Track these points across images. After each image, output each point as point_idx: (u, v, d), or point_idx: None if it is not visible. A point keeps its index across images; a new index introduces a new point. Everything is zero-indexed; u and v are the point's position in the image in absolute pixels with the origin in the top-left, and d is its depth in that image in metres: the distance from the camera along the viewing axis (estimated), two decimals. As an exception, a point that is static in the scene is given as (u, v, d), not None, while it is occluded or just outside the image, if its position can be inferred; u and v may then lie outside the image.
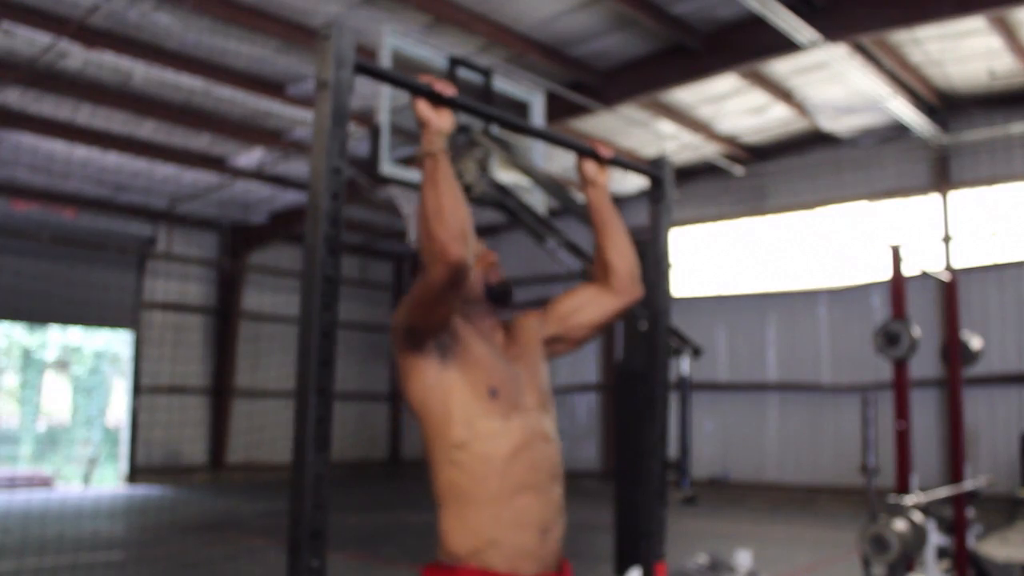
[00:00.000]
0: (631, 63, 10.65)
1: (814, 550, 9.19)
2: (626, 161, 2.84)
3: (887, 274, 5.52)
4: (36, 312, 15.04)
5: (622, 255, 2.49)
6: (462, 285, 2.00)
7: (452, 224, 1.92)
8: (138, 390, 15.64)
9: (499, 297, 2.32)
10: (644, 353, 2.92)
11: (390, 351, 2.14)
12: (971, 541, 6.16)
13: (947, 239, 12.62)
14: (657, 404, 2.82)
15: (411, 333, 2.08)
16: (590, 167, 2.62)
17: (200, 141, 12.74)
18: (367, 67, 2.00)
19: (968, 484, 6.13)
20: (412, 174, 4.56)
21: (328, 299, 1.89)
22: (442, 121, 2.09)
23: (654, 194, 2.92)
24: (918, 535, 4.98)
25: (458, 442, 2.08)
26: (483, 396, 2.11)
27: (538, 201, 5.25)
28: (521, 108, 5.31)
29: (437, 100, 2.09)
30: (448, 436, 2.09)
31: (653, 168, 2.93)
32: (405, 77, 2.16)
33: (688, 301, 15.01)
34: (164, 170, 13.76)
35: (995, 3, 8.64)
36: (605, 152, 2.62)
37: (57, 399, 19.25)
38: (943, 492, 5.82)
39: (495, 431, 2.09)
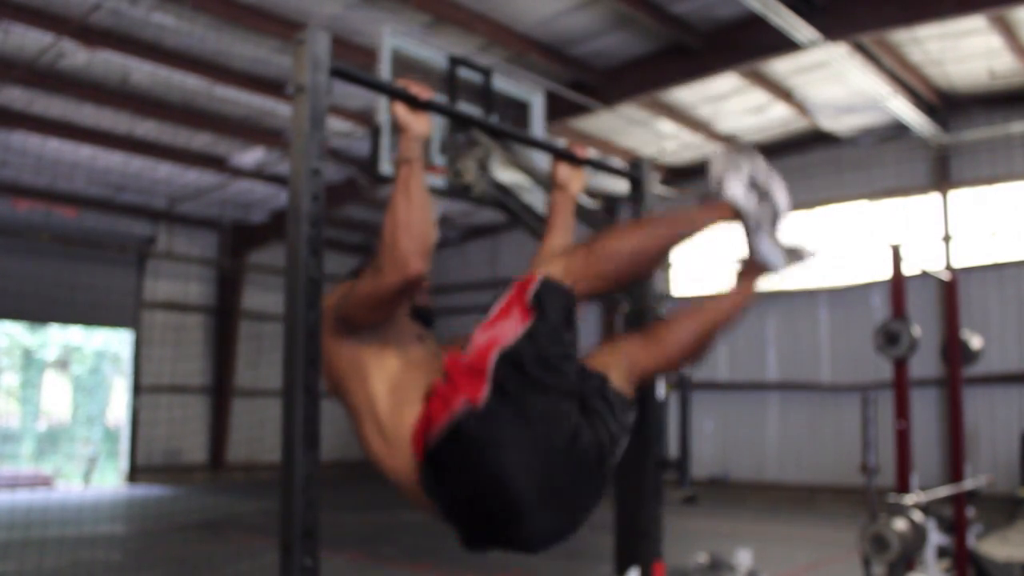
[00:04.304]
0: (631, 62, 10.64)
1: (814, 549, 9.19)
2: (604, 163, 2.86)
3: (887, 274, 5.52)
4: (36, 312, 15.05)
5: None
6: (412, 297, 2.06)
7: (418, 238, 1.92)
8: (138, 389, 15.65)
9: (423, 317, 2.33)
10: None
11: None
12: (971, 540, 6.16)
13: (947, 239, 12.62)
14: (652, 402, 2.83)
15: (346, 323, 2.08)
16: (564, 171, 2.65)
17: (200, 141, 12.74)
18: (343, 71, 2.02)
19: (968, 483, 6.13)
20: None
21: (312, 299, 1.91)
22: (420, 125, 2.10)
23: (634, 195, 2.96)
24: (918, 534, 4.98)
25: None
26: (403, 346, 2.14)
27: (538, 201, 5.24)
28: (521, 108, 5.30)
29: (413, 103, 2.11)
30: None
31: (632, 170, 2.96)
32: (380, 80, 2.18)
33: (688, 301, 15.00)
34: (164, 170, 13.76)
35: (995, 2, 8.63)
36: (582, 152, 2.64)
37: (57, 398, 19.26)
38: (943, 491, 5.82)
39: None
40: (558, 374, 1.94)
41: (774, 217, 2.36)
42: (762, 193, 2.37)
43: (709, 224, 2.28)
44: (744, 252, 2.40)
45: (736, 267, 2.45)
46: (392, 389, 2.04)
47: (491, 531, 1.96)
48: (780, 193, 2.39)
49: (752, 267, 2.40)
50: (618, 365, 2.15)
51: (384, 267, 1.94)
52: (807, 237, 2.39)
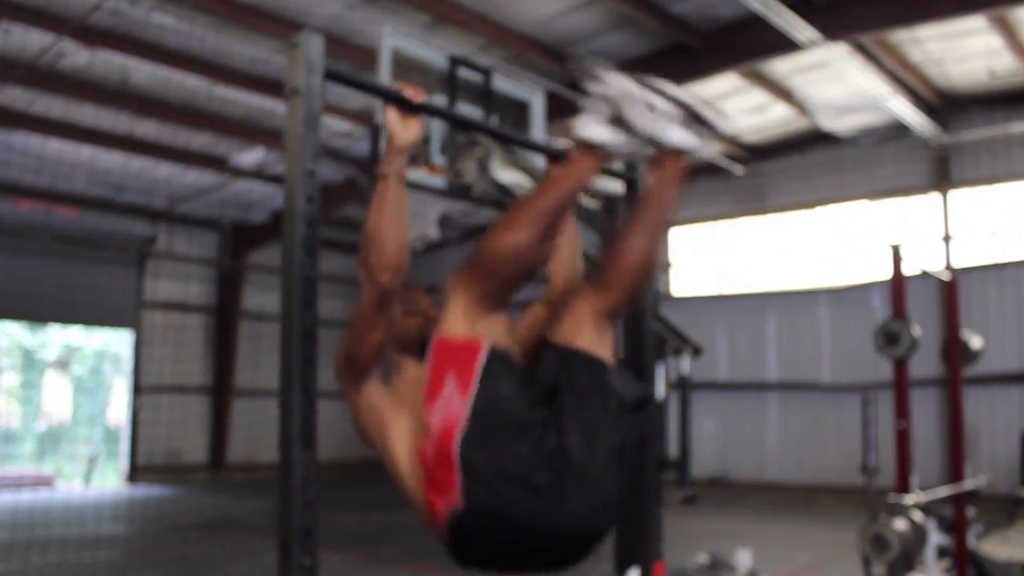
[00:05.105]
0: (631, 62, 10.63)
1: (814, 549, 9.19)
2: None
3: (887, 274, 5.53)
4: (37, 312, 15.06)
5: (564, 264, 2.51)
6: (389, 307, 2.00)
7: (385, 253, 1.94)
8: (138, 389, 15.65)
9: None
10: (634, 351, 2.94)
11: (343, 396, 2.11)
12: (971, 540, 6.16)
13: (947, 239, 12.62)
14: (649, 402, 2.83)
15: (350, 363, 2.03)
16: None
17: (200, 141, 12.74)
18: (336, 73, 2.04)
19: (968, 483, 6.13)
20: (412, 174, 4.56)
21: (308, 299, 1.92)
22: (407, 133, 2.11)
23: (629, 196, 2.97)
24: (918, 534, 4.98)
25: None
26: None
27: (538, 201, 5.23)
28: (521, 108, 5.30)
29: (407, 107, 2.11)
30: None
31: (627, 171, 2.97)
32: (374, 83, 2.20)
33: (688, 301, 15.00)
34: (164, 170, 13.76)
35: (995, 2, 8.63)
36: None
37: (57, 398, 19.24)
38: (943, 491, 5.83)
39: None
40: (521, 433, 1.88)
41: (670, 112, 2.15)
42: (645, 104, 2.15)
43: (585, 176, 2.11)
44: (652, 142, 2.15)
45: (650, 160, 2.21)
46: (410, 452, 2.01)
47: None
48: (661, 94, 2.16)
49: (666, 154, 2.19)
50: (584, 324, 1.99)
51: (360, 281, 1.98)
52: (710, 107, 2.14)
